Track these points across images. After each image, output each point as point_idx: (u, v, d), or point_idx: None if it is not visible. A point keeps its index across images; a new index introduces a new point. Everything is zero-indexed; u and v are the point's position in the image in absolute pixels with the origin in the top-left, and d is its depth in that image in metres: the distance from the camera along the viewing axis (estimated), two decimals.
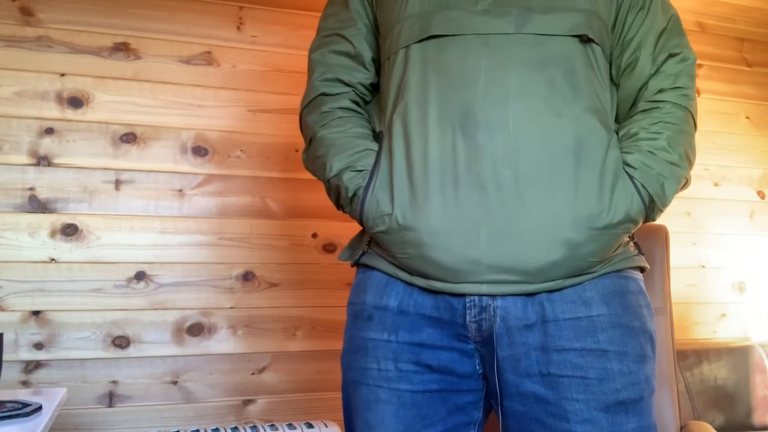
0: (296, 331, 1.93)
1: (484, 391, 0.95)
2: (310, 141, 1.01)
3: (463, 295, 0.88)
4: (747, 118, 2.50)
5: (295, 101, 1.97)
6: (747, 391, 2.16)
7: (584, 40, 0.89)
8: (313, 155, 1.01)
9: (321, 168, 0.98)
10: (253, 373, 1.88)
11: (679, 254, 2.34)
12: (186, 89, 1.88)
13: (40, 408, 1.22)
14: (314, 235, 1.97)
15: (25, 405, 1.22)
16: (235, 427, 1.65)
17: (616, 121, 0.97)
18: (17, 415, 1.16)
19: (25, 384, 1.69)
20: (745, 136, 2.49)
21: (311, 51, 1.06)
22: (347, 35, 1.03)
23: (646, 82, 0.94)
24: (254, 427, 1.66)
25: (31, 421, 1.16)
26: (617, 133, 0.93)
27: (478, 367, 0.93)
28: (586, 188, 0.85)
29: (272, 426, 1.67)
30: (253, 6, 1.96)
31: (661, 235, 1.48)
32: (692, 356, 2.13)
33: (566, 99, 0.87)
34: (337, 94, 1.01)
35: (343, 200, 0.97)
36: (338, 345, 1.97)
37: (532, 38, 0.88)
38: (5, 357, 1.66)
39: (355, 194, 0.94)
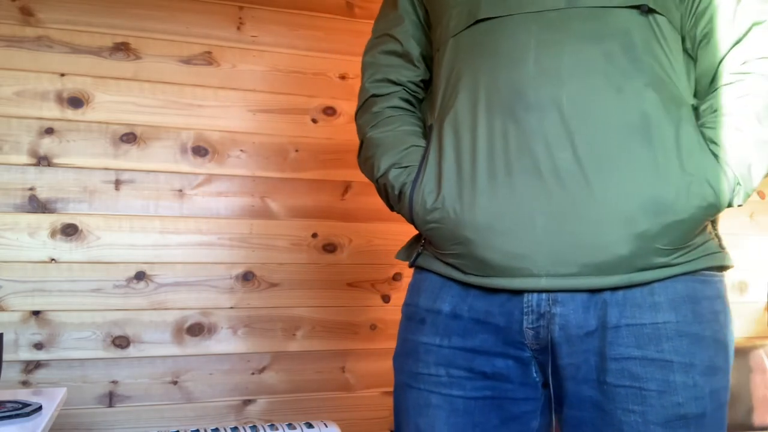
0: (296, 331, 1.93)
1: (543, 400, 0.89)
2: (361, 143, 1.00)
3: (520, 293, 0.83)
4: None
5: (296, 101, 1.97)
6: (747, 391, 2.16)
7: (644, 10, 0.82)
8: (364, 157, 1.00)
9: (370, 169, 0.97)
10: (253, 373, 1.88)
11: None
12: (186, 89, 1.88)
13: (40, 408, 1.22)
14: (314, 235, 1.97)
15: (25, 405, 1.22)
16: (235, 427, 1.65)
17: (696, 96, 0.88)
18: (17, 415, 1.16)
19: (25, 384, 1.69)
20: None
21: (364, 53, 1.05)
22: (395, 34, 1.01)
23: (727, 54, 0.85)
24: (254, 427, 1.66)
25: (31, 421, 1.16)
26: (696, 109, 0.85)
27: (535, 374, 0.88)
28: (660, 170, 0.78)
29: (272, 426, 1.67)
30: (253, 6, 1.96)
31: None
32: None
33: (626, 74, 0.80)
34: (387, 94, 0.99)
35: (392, 199, 0.95)
36: (338, 345, 1.97)
37: (585, 11, 0.81)
38: (5, 357, 1.66)
39: (401, 191, 0.92)
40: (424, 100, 1.02)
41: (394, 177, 0.93)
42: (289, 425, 1.68)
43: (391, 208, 0.99)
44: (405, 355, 0.95)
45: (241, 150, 1.92)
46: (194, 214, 1.86)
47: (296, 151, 1.97)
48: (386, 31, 1.03)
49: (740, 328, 2.42)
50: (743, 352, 2.21)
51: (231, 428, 1.65)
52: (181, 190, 1.85)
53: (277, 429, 1.65)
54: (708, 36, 0.86)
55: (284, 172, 1.95)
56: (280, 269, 1.93)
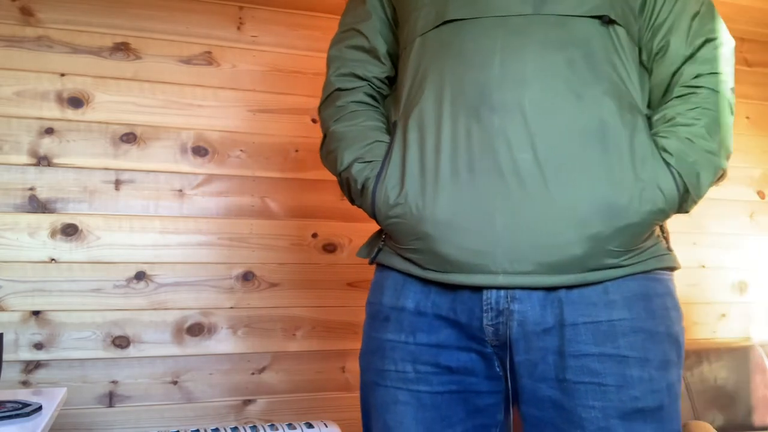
0: (296, 331, 1.93)
1: (505, 393, 0.92)
2: (324, 136, 1.01)
3: (479, 290, 0.85)
4: (747, 118, 2.50)
5: (295, 101, 1.97)
6: (747, 391, 2.16)
7: (606, 21, 0.86)
8: (326, 150, 1.00)
9: (333, 162, 0.98)
10: (253, 373, 1.88)
11: (679, 254, 2.32)
12: (186, 89, 1.88)
13: (40, 408, 1.22)
14: (314, 235, 1.97)
15: (25, 405, 1.22)
16: (235, 427, 1.65)
17: (649, 107, 0.92)
18: (17, 415, 1.16)
19: (25, 384, 1.69)
20: (745, 136, 2.48)
21: (330, 47, 1.06)
22: (362, 29, 1.02)
23: (680, 68, 0.90)
24: (254, 427, 1.66)
25: (31, 421, 1.16)
26: (650, 118, 0.89)
27: (498, 369, 0.90)
28: (615, 176, 0.81)
29: (272, 426, 1.67)
30: (253, 6, 1.96)
31: None
32: (692, 356, 2.13)
33: (586, 81, 0.83)
34: (352, 88, 1.00)
35: (354, 193, 0.96)
36: (338, 345, 1.97)
37: (551, 19, 0.85)
38: (5, 357, 1.66)
39: (364, 186, 0.93)
40: (389, 96, 1.03)
41: (357, 171, 0.94)
42: (289, 425, 1.68)
43: (353, 202, 0.99)
44: (371, 353, 0.95)
45: (241, 150, 1.92)
46: (194, 214, 1.86)
47: (296, 151, 1.97)
48: (353, 25, 1.03)
49: (740, 328, 2.42)
50: (743, 352, 2.21)
51: (231, 428, 1.65)
52: (181, 190, 1.85)
53: (277, 429, 1.65)
54: (663, 49, 0.90)
55: (284, 172, 1.95)
56: (280, 269, 1.93)
